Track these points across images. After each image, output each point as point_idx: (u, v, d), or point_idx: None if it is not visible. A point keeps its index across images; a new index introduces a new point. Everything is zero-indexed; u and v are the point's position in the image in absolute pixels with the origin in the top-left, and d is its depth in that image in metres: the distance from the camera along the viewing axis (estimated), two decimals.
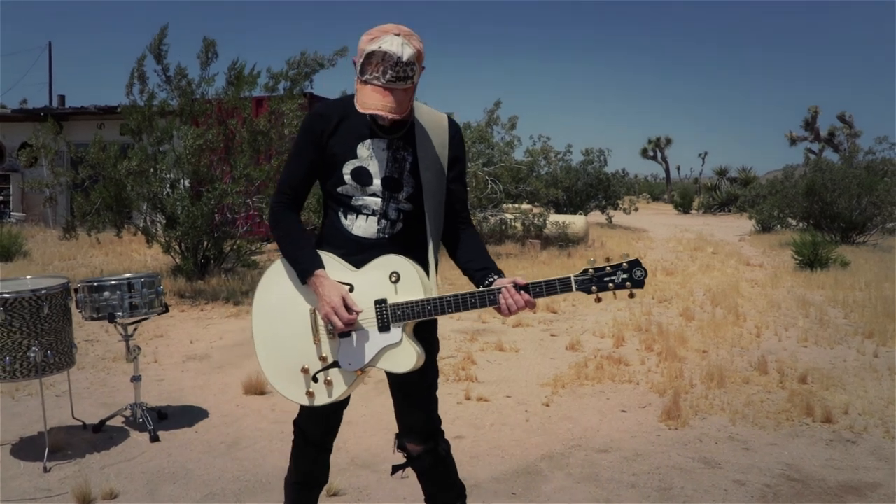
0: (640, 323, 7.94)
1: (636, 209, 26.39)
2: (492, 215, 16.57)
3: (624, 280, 2.37)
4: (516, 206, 18.05)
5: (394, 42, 2.30)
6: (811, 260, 12.50)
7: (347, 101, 2.51)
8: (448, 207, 2.57)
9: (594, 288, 2.38)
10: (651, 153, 56.29)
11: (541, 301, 8.95)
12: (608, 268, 2.39)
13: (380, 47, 2.30)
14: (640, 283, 2.37)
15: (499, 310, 2.40)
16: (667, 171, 58.16)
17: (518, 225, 17.00)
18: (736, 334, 7.49)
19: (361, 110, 2.32)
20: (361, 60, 2.33)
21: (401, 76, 2.31)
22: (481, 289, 2.43)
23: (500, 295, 2.38)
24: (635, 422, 4.89)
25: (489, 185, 15.61)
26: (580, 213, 22.28)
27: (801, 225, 19.95)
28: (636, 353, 6.70)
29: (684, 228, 23.82)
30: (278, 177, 2.67)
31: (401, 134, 2.50)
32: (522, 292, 2.38)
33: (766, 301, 9.52)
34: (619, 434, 4.65)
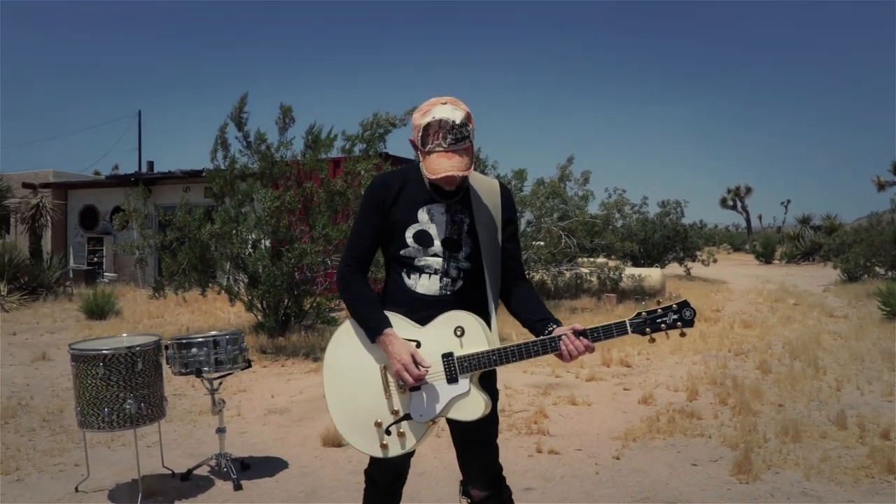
0: (715, 376, 7.88)
1: (714, 261, 25.99)
2: (567, 270, 16.63)
3: (675, 320, 2.54)
4: (591, 259, 18.06)
5: (444, 110, 2.56)
6: None
7: (406, 170, 2.76)
8: (504, 265, 2.75)
9: (648, 329, 2.55)
10: (730, 203, 55.42)
11: (615, 355, 9.00)
12: (659, 310, 2.56)
13: (434, 117, 2.54)
14: (689, 323, 2.55)
15: (560, 356, 2.56)
16: (747, 220, 57.08)
17: (594, 279, 17.00)
18: (815, 388, 7.36)
19: (433, 177, 2.53)
20: (420, 134, 2.57)
21: (459, 137, 2.54)
22: (542, 337, 2.58)
23: (561, 341, 2.53)
24: (705, 475, 4.89)
25: (563, 240, 15.71)
26: (657, 266, 22.09)
27: (889, 274, 19.35)
28: (709, 407, 6.66)
29: (765, 279, 23.33)
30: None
31: (457, 198, 2.71)
32: (581, 338, 2.53)
33: (849, 354, 9.29)
34: (688, 487, 4.66)
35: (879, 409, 6.50)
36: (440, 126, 2.53)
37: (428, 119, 2.55)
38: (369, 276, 2.80)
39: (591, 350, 2.55)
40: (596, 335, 2.54)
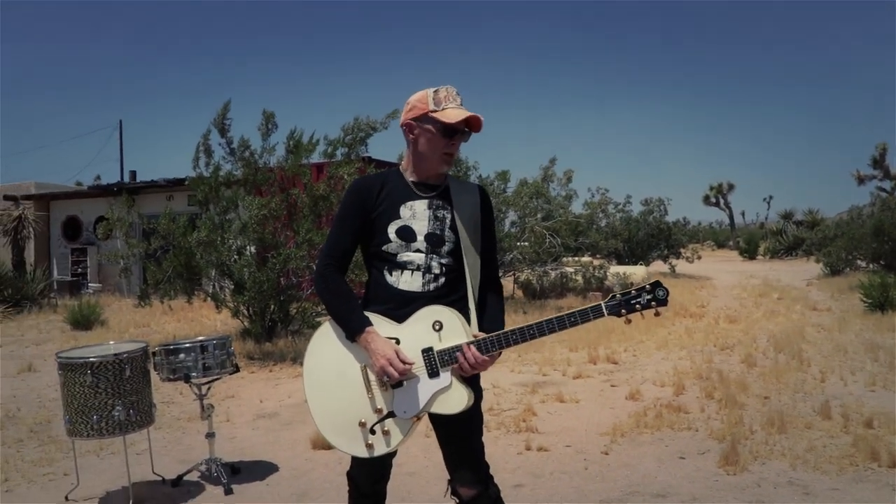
0: (701, 371, 7.95)
1: (699, 257, 26.16)
2: (552, 269, 16.70)
3: (649, 300, 2.58)
4: (576, 259, 18.14)
5: (449, 88, 2.70)
6: (881, 302, 12.26)
7: (385, 172, 2.83)
8: (482, 264, 2.80)
9: (623, 311, 2.58)
10: (713, 199, 55.66)
11: (601, 353, 9.03)
12: (633, 291, 2.60)
13: (439, 89, 2.69)
14: (663, 302, 2.59)
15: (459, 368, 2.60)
16: (731, 217, 57.39)
17: (579, 278, 17.08)
18: (799, 380, 7.44)
19: (455, 121, 2.62)
20: (431, 99, 2.66)
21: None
22: (541, 320, 2.60)
23: (460, 351, 2.57)
24: (693, 468, 4.94)
25: (548, 240, 15.77)
26: (641, 264, 22.21)
27: (871, 267, 19.54)
28: (696, 401, 6.72)
29: (750, 275, 23.49)
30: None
31: (438, 192, 2.75)
32: (472, 347, 2.58)
33: (833, 345, 9.40)
34: (676, 480, 4.71)
35: (863, 399, 6.58)
36: (448, 92, 2.67)
37: (434, 89, 2.68)
38: (351, 279, 2.82)
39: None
40: (573, 319, 2.56)
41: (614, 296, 2.59)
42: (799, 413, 6.18)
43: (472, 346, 2.56)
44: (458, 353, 2.57)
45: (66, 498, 4.63)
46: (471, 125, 2.69)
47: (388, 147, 43.05)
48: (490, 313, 2.80)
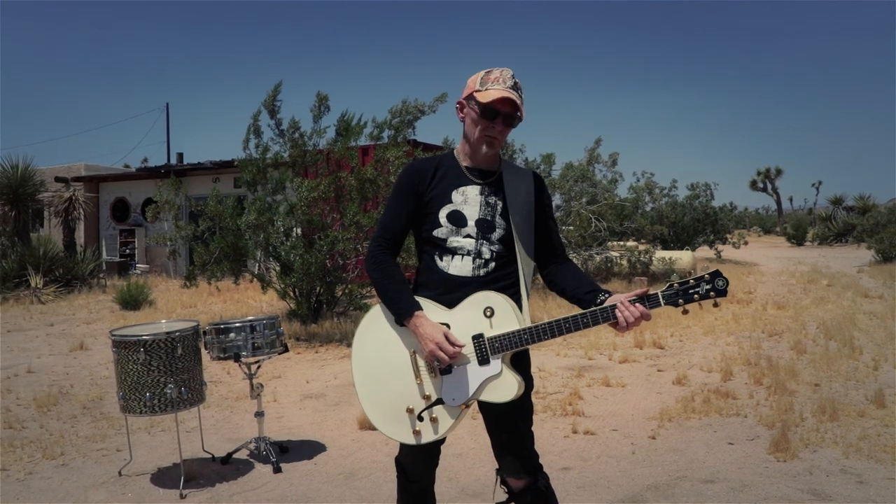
0: (749, 357, 7.83)
1: (745, 243, 25.76)
2: (597, 253, 16.56)
3: (707, 290, 2.47)
4: (621, 243, 17.97)
5: (504, 70, 2.65)
6: None
7: (439, 156, 2.79)
8: (545, 246, 2.78)
9: (681, 301, 2.48)
10: (761, 185, 54.78)
11: (647, 337, 8.96)
12: (691, 280, 2.50)
13: (492, 70, 2.65)
14: (723, 292, 2.48)
15: (615, 325, 2.50)
16: (778, 202, 56.43)
17: (624, 262, 16.91)
18: (851, 367, 7.30)
19: (487, 100, 2.58)
20: (479, 80, 2.64)
21: (516, 88, 2.62)
22: (593, 308, 2.52)
23: (616, 309, 2.48)
24: (742, 454, 4.87)
25: (593, 224, 15.65)
26: (687, 249, 21.94)
27: None
28: (744, 387, 6.63)
29: (798, 261, 23.07)
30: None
31: (491, 180, 2.72)
32: (637, 304, 2.49)
33: (885, 333, 9.19)
34: (725, 465, 4.65)
35: None
36: (501, 75, 2.63)
37: (488, 70, 2.66)
38: (400, 263, 2.79)
39: (648, 317, 2.48)
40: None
41: (672, 285, 2.50)
42: (851, 401, 6.06)
43: (627, 301, 2.48)
44: (615, 311, 2.47)
45: (120, 473, 4.72)
46: (505, 106, 2.63)
47: (437, 131, 42.98)
48: (577, 277, 2.74)
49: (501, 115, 2.62)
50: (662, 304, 2.50)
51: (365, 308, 10.67)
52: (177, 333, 4.45)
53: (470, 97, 2.65)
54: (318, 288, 10.81)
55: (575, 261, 16.21)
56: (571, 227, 15.43)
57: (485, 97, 2.59)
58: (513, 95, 2.58)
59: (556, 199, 15.85)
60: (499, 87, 2.59)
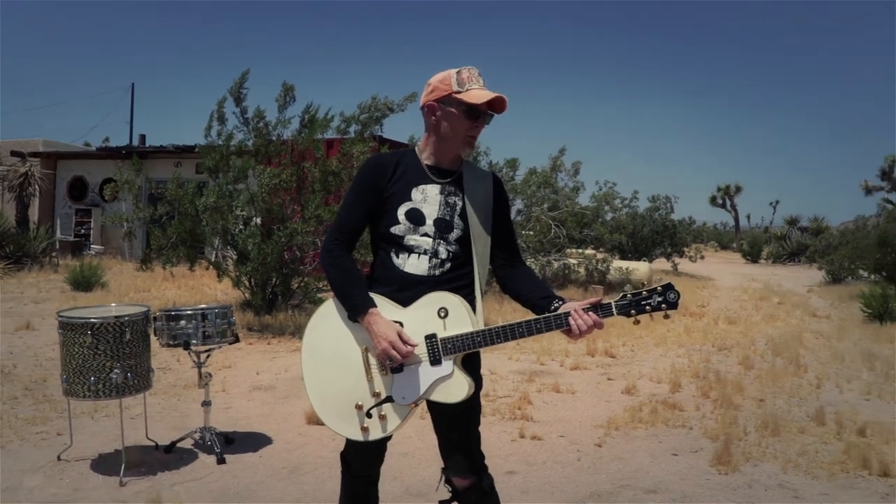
0: (698, 370, 7.94)
1: (702, 257, 26.11)
2: (555, 260, 16.67)
3: (659, 303, 2.53)
4: (580, 251, 18.11)
5: (472, 69, 2.66)
6: (881, 313, 12.22)
7: (401, 152, 2.78)
8: (501, 249, 2.79)
9: (633, 311, 2.53)
10: (720, 201, 55.51)
11: (599, 346, 9.04)
12: (644, 292, 2.55)
13: (461, 69, 2.64)
14: (674, 305, 2.53)
15: (569, 332, 2.53)
16: (736, 219, 57.24)
17: (581, 270, 17.05)
18: (795, 384, 7.44)
19: (480, 102, 2.58)
20: (454, 80, 2.62)
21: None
22: (548, 314, 2.55)
23: (570, 317, 2.50)
24: (686, 465, 4.94)
25: (553, 230, 15.75)
26: (645, 260, 22.17)
27: (872, 277, 19.48)
28: (692, 399, 6.72)
29: (751, 278, 23.44)
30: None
31: (452, 180, 2.72)
32: (591, 312, 2.51)
33: (830, 353, 9.38)
34: (668, 476, 4.71)
35: (857, 407, 6.57)
36: (471, 73, 2.63)
37: (457, 69, 2.64)
38: (358, 259, 2.78)
39: (601, 326, 2.51)
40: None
41: (625, 295, 2.54)
42: (793, 417, 6.18)
43: (580, 310, 2.50)
44: (569, 318, 2.49)
45: (59, 458, 4.64)
46: (495, 107, 2.65)
47: (402, 129, 42.93)
48: (532, 282, 2.77)
49: (484, 114, 2.64)
50: (615, 313, 2.53)
51: (320, 302, 10.50)
52: (126, 318, 4.38)
53: (448, 99, 2.62)
54: (273, 279, 10.73)
55: (533, 266, 16.33)
56: (531, 233, 15.51)
57: (473, 98, 2.59)
58: (496, 95, 2.60)
59: (518, 204, 15.92)
60: (479, 87, 2.61)
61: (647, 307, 2.53)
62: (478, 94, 2.59)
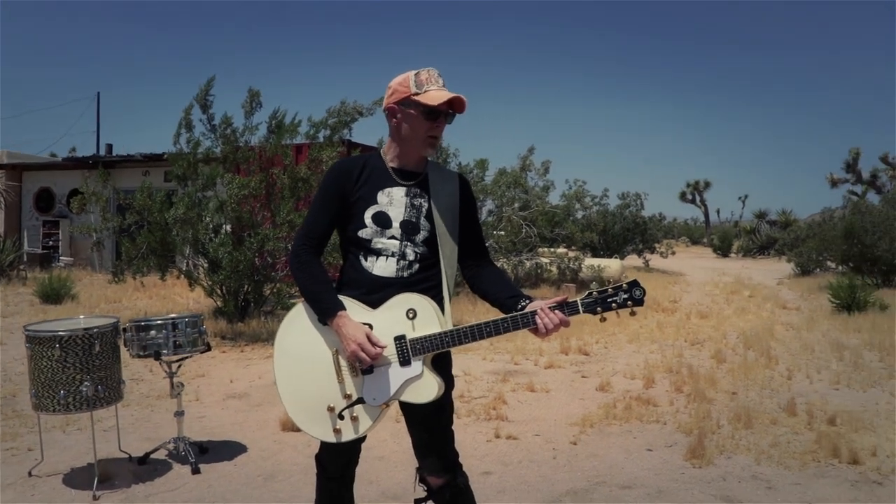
0: (671, 365, 8.02)
1: (673, 253, 26.36)
2: (527, 259, 16.74)
3: (625, 299, 2.56)
4: (552, 250, 18.20)
5: (430, 70, 2.68)
6: (848, 303, 12.41)
7: (366, 156, 2.79)
8: (468, 249, 2.81)
9: (599, 309, 2.55)
10: (690, 197, 56.08)
11: (573, 344, 9.08)
12: (610, 289, 2.58)
13: (420, 71, 2.66)
14: (640, 301, 2.56)
15: (536, 331, 2.55)
16: (706, 214, 57.85)
17: (553, 269, 17.13)
18: (767, 377, 7.53)
19: (437, 103, 2.59)
20: (412, 82, 2.63)
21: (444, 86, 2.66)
22: (514, 313, 2.57)
23: (536, 315, 2.53)
24: (660, 460, 4.99)
25: (524, 230, 15.81)
26: (616, 257, 22.34)
27: (840, 268, 19.77)
28: (665, 395, 6.79)
29: (722, 272, 23.69)
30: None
31: (417, 181, 2.74)
32: (557, 311, 2.53)
33: (800, 344, 9.51)
34: (643, 472, 4.75)
35: (827, 397, 6.67)
36: (430, 74, 2.65)
37: (415, 71, 2.66)
38: (330, 263, 2.79)
39: (567, 324, 2.53)
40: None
41: (591, 293, 2.57)
42: (765, 409, 6.26)
43: (547, 308, 2.52)
44: (535, 317, 2.52)
45: (30, 473, 4.58)
46: (454, 106, 2.67)
47: (373, 132, 42.82)
48: (500, 282, 2.79)
49: (444, 114, 2.66)
50: (581, 311, 2.56)
51: (292, 308, 10.53)
52: (95, 330, 4.34)
53: (407, 101, 2.64)
54: (245, 286, 10.67)
55: (505, 266, 16.39)
56: (503, 233, 15.56)
57: (431, 99, 2.60)
58: (455, 95, 2.62)
59: (489, 205, 15.97)
60: (437, 88, 2.62)
61: (613, 304, 2.56)
62: (436, 94, 2.60)
